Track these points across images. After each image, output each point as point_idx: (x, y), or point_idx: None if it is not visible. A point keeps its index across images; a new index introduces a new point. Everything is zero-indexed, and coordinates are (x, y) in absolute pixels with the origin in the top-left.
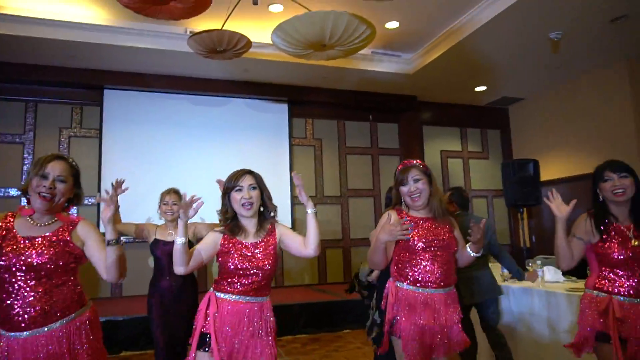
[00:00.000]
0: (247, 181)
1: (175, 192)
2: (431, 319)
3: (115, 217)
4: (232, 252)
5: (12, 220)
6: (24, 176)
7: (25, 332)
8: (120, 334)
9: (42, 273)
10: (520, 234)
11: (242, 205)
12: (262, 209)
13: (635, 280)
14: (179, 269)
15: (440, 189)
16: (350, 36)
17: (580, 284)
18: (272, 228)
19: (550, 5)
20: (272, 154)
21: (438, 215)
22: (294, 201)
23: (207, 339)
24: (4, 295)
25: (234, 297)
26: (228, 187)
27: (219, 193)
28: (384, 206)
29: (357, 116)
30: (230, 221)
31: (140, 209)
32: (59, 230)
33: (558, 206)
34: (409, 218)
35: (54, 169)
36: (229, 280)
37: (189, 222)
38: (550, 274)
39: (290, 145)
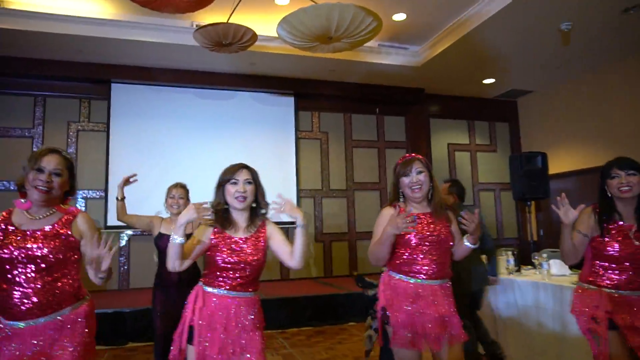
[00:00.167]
0: (243, 175)
1: (182, 186)
2: (423, 309)
3: (122, 208)
4: (221, 246)
5: (8, 216)
6: None
7: (21, 323)
8: (127, 326)
9: (43, 265)
10: (527, 228)
11: (236, 198)
12: (254, 205)
13: (627, 276)
14: (174, 265)
15: (438, 184)
16: (357, 28)
17: None
18: (262, 225)
19: None
20: (278, 147)
21: (437, 210)
22: (300, 194)
23: (193, 334)
24: (4, 286)
25: (221, 291)
26: (223, 180)
27: None
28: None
29: (363, 109)
30: (221, 214)
31: (147, 202)
32: (60, 223)
33: (566, 212)
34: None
35: (49, 162)
36: (217, 274)
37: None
38: (556, 267)
39: (297, 139)
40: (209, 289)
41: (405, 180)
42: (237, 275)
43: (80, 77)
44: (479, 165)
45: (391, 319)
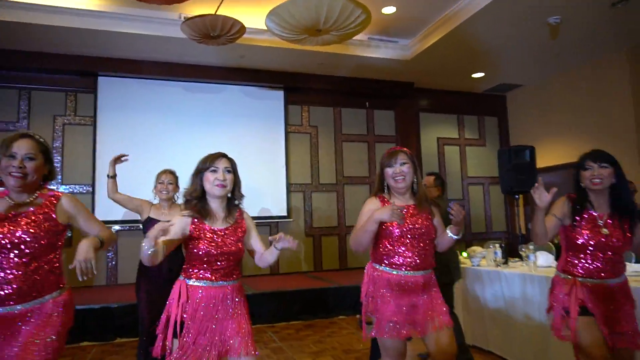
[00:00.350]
0: (223, 163)
1: (171, 172)
2: (406, 300)
3: (114, 185)
4: (201, 238)
5: None
6: None
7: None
8: (115, 321)
9: (27, 251)
10: (516, 221)
11: (216, 185)
12: (232, 195)
13: (598, 264)
14: (148, 264)
15: (421, 178)
16: (345, 21)
17: None
18: (240, 215)
19: None
20: (267, 141)
21: (421, 203)
22: (290, 188)
23: (180, 327)
24: None
25: (205, 283)
26: (202, 168)
27: None
28: None
29: (353, 103)
30: (197, 202)
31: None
32: (43, 207)
33: (540, 195)
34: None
35: (21, 147)
36: (199, 266)
37: None
38: (543, 259)
39: (286, 133)
40: (192, 282)
41: (389, 171)
42: (220, 265)
43: (66, 69)
44: (468, 159)
45: (375, 310)
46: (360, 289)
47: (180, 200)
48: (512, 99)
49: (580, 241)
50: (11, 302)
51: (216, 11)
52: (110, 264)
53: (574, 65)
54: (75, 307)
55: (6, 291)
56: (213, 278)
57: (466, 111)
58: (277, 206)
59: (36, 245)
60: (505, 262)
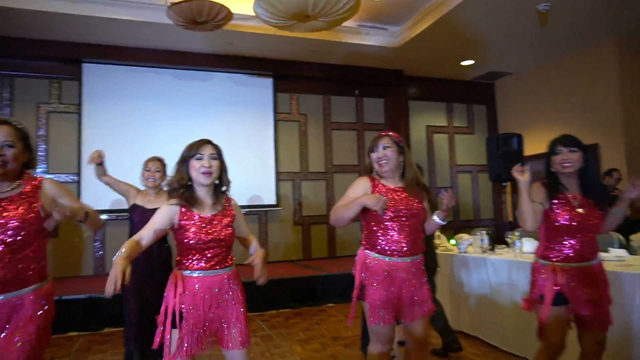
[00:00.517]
0: (208, 150)
1: (158, 159)
2: (397, 286)
3: (101, 169)
4: (190, 226)
5: None
6: None
7: None
8: (104, 311)
9: (10, 240)
10: (503, 209)
11: (202, 173)
12: (217, 182)
13: (578, 246)
14: None
15: (413, 162)
16: (334, 6)
17: None
18: (227, 202)
19: None
20: (256, 129)
21: (410, 186)
22: (279, 177)
23: (180, 318)
24: None
25: (200, 273)
26: (187, 155)
27: None
28: None
29: (342, 91)
30: (183, 190)
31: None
32: (27, 194)
33: (521, 173)
34: (382, 188)
35: None
36: (191, 256)
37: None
38: (528, 245)
39: (275, 121)
40: (188, 273)
41: (373, 155)
42: (212, 253)
43: (49, 56)
44: (457, 147)
45: (367, 296)
46: (352, 276)
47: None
48: (500, 86)
49: (560, 222)
50: None
51: None
52: (97, 253)
53: (563, 53)
54: (55, 298)
55: None
56: (207, 266)
57: (455, 99)
58: (266, 195)
59: (21, 232)
60: (492, 249)
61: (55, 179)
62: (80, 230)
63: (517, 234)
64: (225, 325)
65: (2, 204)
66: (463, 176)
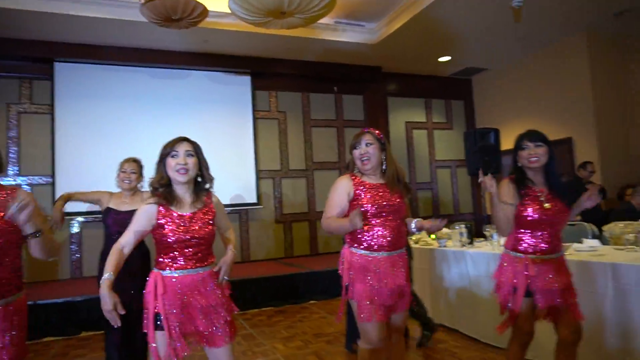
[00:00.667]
0: (183, 147)
1: (134, 160)
2: (383, 281)
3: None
4: (168, 224)
5: None
6: None
7: None
8: (81, 315)
9: None
10: (481, 202)
11: (177, 170)
12: (199, 179)
13: (546, 239)
14: None
15: (395, 159)
16: (310, 3)
17: None
18: (209, 199)
19: None
20: (235, 127)
21: (391, 182)
22: (259, 175)
23: (160, 320)
24: None
25: (180, 272)
26: (164, 153)
27: None
28: None
29: (321, 88)
30: (163, 189)
31: (99, 187)
32: (2, 202)
33: (490, 183)
34: (365, 184)
35: None
36: (171, 255)
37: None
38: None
39: (254, 119)
40: (167, 273)
41: (355, 152)
42: (192, 251)
43: (20, 55)
44: (436, 143)
45: (356, 295)
46: (334, 272)
47: (143, 190)
48: (477, 82)
49: (529, 217)
50: None
51: None
52: (74, 256)
53: (536, 48)
54: (30, 302)
55: None
56: (187, 266)
57: (433, 95)
58: (246, 193)
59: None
60: (471, 242)
61: (29, 182)
62: (59, 233)
63: (494, 227)
64: (207, 323)
65: None
66: (442, 171)
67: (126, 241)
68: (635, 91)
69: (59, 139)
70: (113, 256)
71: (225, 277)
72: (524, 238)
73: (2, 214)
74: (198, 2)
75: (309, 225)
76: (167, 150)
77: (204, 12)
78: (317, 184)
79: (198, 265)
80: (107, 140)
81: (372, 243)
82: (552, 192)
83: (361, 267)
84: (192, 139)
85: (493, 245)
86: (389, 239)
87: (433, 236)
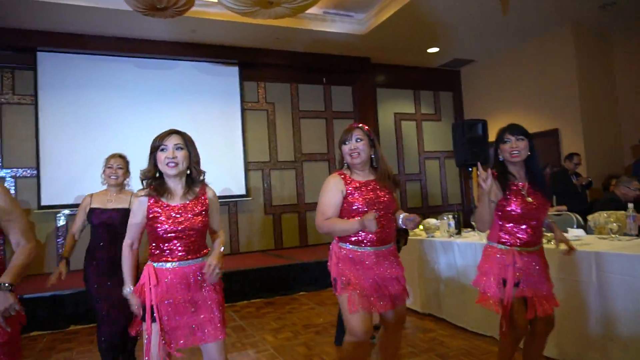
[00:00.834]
0: (172, 140)
1: (120, 156)
2: (371, 274)
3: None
4: (159, 216)
5: None
6: None
7: None
8: (68, 309)
9: None
10: (470, 193)
11: (167, 164)
12: (190, 171)
13: (529, 232)
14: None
15: (382, 153)
16: None
17: None
18: (203, 190)
19: None
20: (223, 118)
21: (382, 179)
22: (248, 166)
23: (157, 311)
24: None
25: (173, 264)
26: (153, 147)
27: None
28: None
29: (310, 79)
30: (154, 181)
31: (84, 180)
32: None
33: (484, 179)
34: (354, 183)
35: None
36: (163, 247)
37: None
38: None
39: (242, 110)
40: (160, 265)
41: (345, 147)
42: (184, 243)
43: (1, 44)
44: (424, 134)
45: (343, 285)
46: (323, 263)
47: (129, 187)
48: (466, 74)
49: (513, 212)
50: None
51: None
52: (60, 250)
53: (524, 40)
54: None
55: None
56: (179, 257)
57: (422, 86)
58: (235, 185)
59: None
60: (458, 233)
61: (13, 174)
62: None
63: (475, 220)
64: (200, 317)
65: None
66: (431, 162)
67: (132, 237)
68: (621, 83)
69: (43, 131)
70: (126, 262)
71: (217, 271)
72: (507, 231)
73: None
74: None
75: (298, 217)
76: (157, 144)
77: (190, 1)
78: (306, 176)
79: (190, 257)
80: (93, 131)
81: (361, 238)
82: (533, 185)
83: (350, 260)
84: (181, 129)
85: (480, 236)
86: (377, 234)
87: (421, 226)
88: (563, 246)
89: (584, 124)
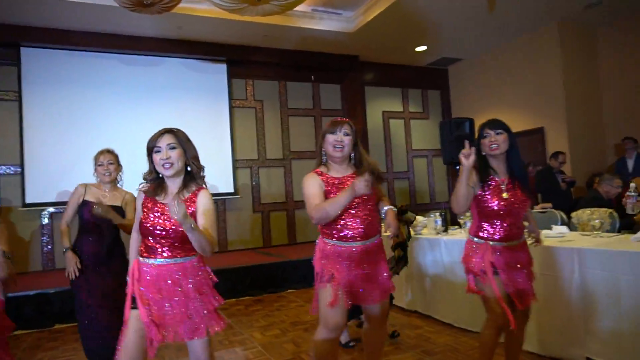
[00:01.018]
0: (165, 141)
1: (109, 151)
2: (355, 269)
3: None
4: (149, 213)
5: None
6: None
7: None
8: (54, 307)
9: None
10: None
11: (162, 165)
12: (189, 168)
13: (506, 228)
14: None
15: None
16: None
17: None
18: (196, 193)
19: None
20: (211, 116)
21: (362, 172)
22: (236, 164)
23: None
24: None
25: (156, 261)
26: (149, 148)
27: None
28: None
29: (298, 77)
30: (154, 181)
31: (70, 176)
32: None
33: (465, 155)
34: (331, 180)
35: None
36: (149, 243)
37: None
38: None
39: (231, 107)
40: (145, 260)
41: (330, 137)
42: (170, 240)
43: None
44: (413, 132)
45: (326, 281)
46: (311, 261)
47: (121, 183)
48: (453, 72)
49: (490, 208)
50: None
51: None
52: (45, 248)
53: (510, 38)
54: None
55: None
56: (164, 256)
57: (410, 85)
58: (223, 183)
59: None
60: (445, 230)
61: None
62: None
63: (468, 214)
64: (186, 313)
65: None
66: (419, 160)
67: (136, 228)
68: (605, 82)
69: (28, 127)
70: (134, 244)
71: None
72: (485, 226)
73: None
74: None
75: (286, 215)
76: (151, 145)
77: None
78: (295, 174)
79: (177, 255)
80: (78, 128)
81: (344, 234)
82: (514, 181)
83: (333, 254)
84: (168, 126)
85: (467, 233)
86: (360, 228)
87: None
88: (533, 236)
89: (568, 122)
